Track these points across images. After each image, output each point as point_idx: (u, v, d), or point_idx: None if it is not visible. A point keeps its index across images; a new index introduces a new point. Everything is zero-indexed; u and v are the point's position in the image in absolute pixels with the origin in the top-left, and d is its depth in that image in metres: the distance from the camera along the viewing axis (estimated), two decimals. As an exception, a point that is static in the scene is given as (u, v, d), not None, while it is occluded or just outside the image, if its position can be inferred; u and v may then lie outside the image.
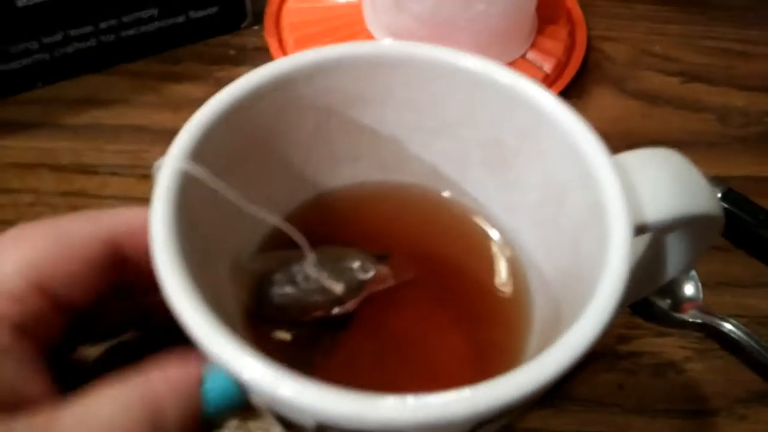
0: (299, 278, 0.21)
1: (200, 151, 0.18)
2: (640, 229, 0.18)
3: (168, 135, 0.18)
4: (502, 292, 0.22)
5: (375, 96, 0.21)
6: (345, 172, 0.23)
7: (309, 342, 0.21)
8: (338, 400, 0.13)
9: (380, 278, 0.21)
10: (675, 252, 0.21)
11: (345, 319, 0.22)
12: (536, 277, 0.21)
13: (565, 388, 0.27)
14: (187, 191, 0.17)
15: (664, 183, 0.19)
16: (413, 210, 0.23)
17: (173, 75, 0.38)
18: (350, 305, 0.21)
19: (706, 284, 0.30)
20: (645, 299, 0.29)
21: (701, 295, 0.30)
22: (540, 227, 0.20)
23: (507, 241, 0.22)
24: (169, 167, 0.17)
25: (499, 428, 0.16)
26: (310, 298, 0.21)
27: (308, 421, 0.14)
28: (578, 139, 0.18)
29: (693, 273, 0.30)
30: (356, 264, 0.21)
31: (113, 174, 0.34)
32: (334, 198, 0.23)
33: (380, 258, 0.22)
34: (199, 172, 0.17)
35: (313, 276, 0.21)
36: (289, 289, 0.21)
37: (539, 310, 0.20)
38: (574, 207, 0.18)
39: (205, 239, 0.18)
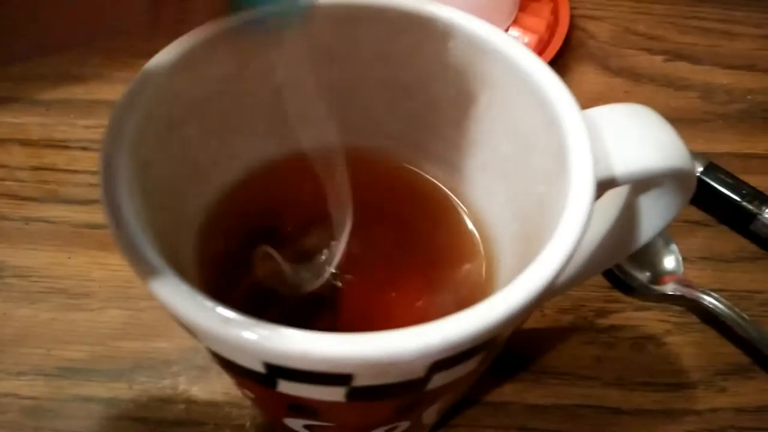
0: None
1: (158, 98, 0.17)
2: (608, 183, 0.17)
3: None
4: (469, 256, 0.21)
5: (345, 50, 0.20)
6: (313, 131, 0.22)
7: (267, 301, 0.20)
8: (284, 337, 0.12)
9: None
10: (648, 212, 0.21)
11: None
12: (505, 235, 0.20)
13: (543, 360, 0.27)
14: (143, 138, 0.16)
15: (634, 136, 0.18)
16: (381, 173, 0.23)
17: (149, 52, 0.37)
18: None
19: (687, 258, 0.29)
20: (624, 272, 0.29)
21: (682, 269, 0.29)
22: (508, 183, 0.20)
23: (476, 202, 0.22)
24: (120, 113, 0.16)
25: (462, 380, 0.16)
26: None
27: (257, 364, 0.14)
28: (545, 88, 0.17)
29: (673, 246, 0.29)
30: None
31: (84, 149, 0.33)
32: (301, 159, 0.22)
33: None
34: None
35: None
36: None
37: (505, 267, 0.20)
38: (540, 158, 0.18)
39: (159, 191, 0.17)
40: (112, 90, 0.35)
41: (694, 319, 0.28)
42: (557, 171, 0.17)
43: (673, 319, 0.28)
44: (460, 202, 0.22)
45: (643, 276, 0.29)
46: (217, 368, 0.26)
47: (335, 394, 0.14)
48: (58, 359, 0.26)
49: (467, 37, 0.19)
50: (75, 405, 0.25)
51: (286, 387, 0.14)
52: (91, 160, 0.32)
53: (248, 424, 0.25)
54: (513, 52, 0.18)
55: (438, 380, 0.15)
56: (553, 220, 0.15)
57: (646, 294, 0.28)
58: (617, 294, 0.29)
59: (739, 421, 0.26)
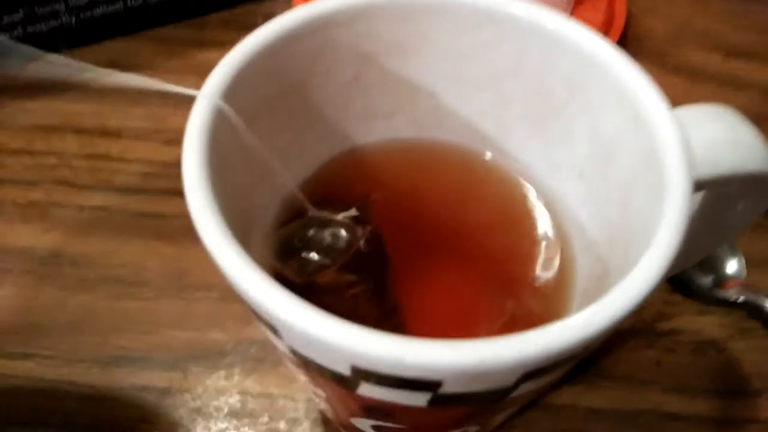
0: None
1: (233, 92, 0.17)
2: (696, 186, 0.17)
3: (193, 101, 0.17)
4: (543, 258, 0.21)
5: (415, 45, 0.20)
6: (381, 126, 0.22)
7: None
8: (377, 341, 0.12)
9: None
10: (724, 218, 0.20)
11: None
12: (580, 239, 0.20)
13: (601, 363, 0.26)
14: (219, 132, 0.16)
15: (721, 138, 0.17)
16: (449, 169, 0.22)
17: (199, 41, 0.37)
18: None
19: (750, 262, 0.29)
20: (686, 276, 0.28)
21: (745, 273, 0.28)
22: (586, 184, 0.19)
23: (549, 202, 0.21)
24: (203, 104, 0.16)
25: (543, 388, 0.15)
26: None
27: (343, 366, 0.13)
28: (632, 86, 0.17)
29: (736, 250, 0.29)
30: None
31: (137, 138, 0.33)
32: (368, 153, 0.22)
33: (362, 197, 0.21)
34: (233, 114, 0.16)
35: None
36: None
37: (582, 274, 0.19)
38: (625, 159, 0.17)
39: (234, 188, 0.17)
40: (163, 80, 0.35)
41: (756, 325, 0.27)
42: (646, 174, 0.16)
43: (736, 324, 0.27)
44: (533, 201, 0.21)
45: (706, 280, 0.28)
46: (271, 360, 0.26)
47: (418, 399, 0.14)
48: (114, 348, 0.26)
49: (545, 33, 0.18)
50: (131, 393, 0.25)
51: (367, 390, 0.14)
52: (143, 150, 0.33)
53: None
54: (595, 48, 0.18)
55: (523, 389, 0.14)
56: (645, 226, 0.15)
57: (708, 298, 0.28)
58: (677, 297, 0.28)
59: (804, 432, 0.25)
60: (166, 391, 0.25)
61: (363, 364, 0.13)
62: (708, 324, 0.27)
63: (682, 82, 0.36)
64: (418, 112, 0.21)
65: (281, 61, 0.18)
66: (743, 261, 0.28)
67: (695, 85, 0.36)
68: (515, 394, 0.14)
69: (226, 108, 0.16)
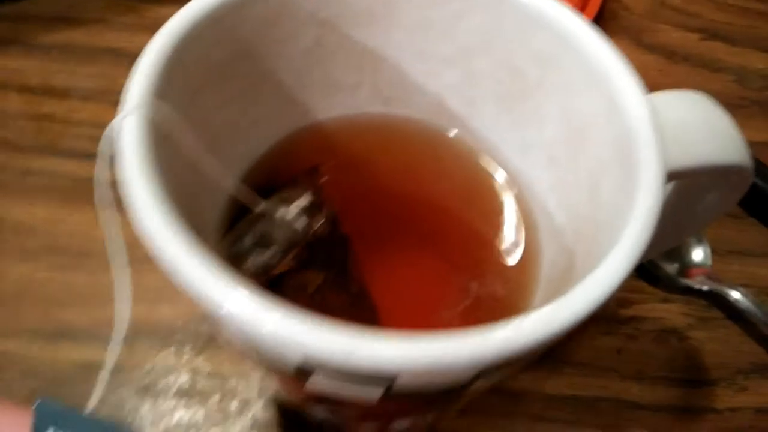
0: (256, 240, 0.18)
1: (176, 65, 0.15)
2: (668, 177, 0.16)
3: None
4: (508, 241, 0.20)
5: (383, 13, 0.19)
6: (343, 99, 0.21)
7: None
8: (327, 333, 0.11)
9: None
10: (696, 209, 0.19)
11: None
12: (547, 225, 0.19)
13: (562, 349, 0.26)
14: (157, 139, 0.15)
15: (695, 127, 0.17)
16: (415, 147, 0.21)
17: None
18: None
19: (715, 251, 0.28)
20: (651, 262, 0.27)
21: (710, 262, 0.28)
22: (555, 168, 0.18)
23: (517, 185, 0.20)
24: (135, 117, 0.14)
25: (502, 380, 0.14)
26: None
27: (291, 360, 0.12)
28: (607, 67, 0.16)
29: (703, 238, 0.28)
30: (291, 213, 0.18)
31: (85, 99, 0.31)
32: (330, 128, 0.21)
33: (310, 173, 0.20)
34: (172, 121, 0.14)
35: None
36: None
37: (548, 261, 0.18)
38: (596, 144, 0.16)
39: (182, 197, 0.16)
40: (115, 37, 0.33)
41: (718, 314, 0.27)
42: (616, 162, 0.15)
43: (698, 313, 0.27)
44: (501, 182, 0.20)
45: (671, 267, 0.27)
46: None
47: (370, 394, 0.13)
48: (58, 321, 0.25)
49: (519, 6, 0.17)
50: (74, 369, 0.24)
51: (317, 383, 0.13)
52: (92, 111, 0.31)
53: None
54: (571, 26, 0.17)
55: (480, 384, 0.13)
56: (613, 219, 0.14)
57: (672, 286, 0.27)
58: (641, 284, 0.28)
59: (759, 421, 0.25)
60: (111, 369, 0.24)
61: (312, 360, 0.12)
62: (670, 312, 0.27)
63: (657, 62, 0.36)
64: (384, 86, 0.20)
65: (233, 26, 0.17)
66: (709, 249, 0.28)
67: (671, 64, 0.36)
68: (472, 389, 0.14)
69: (164, 115, 0.14)
